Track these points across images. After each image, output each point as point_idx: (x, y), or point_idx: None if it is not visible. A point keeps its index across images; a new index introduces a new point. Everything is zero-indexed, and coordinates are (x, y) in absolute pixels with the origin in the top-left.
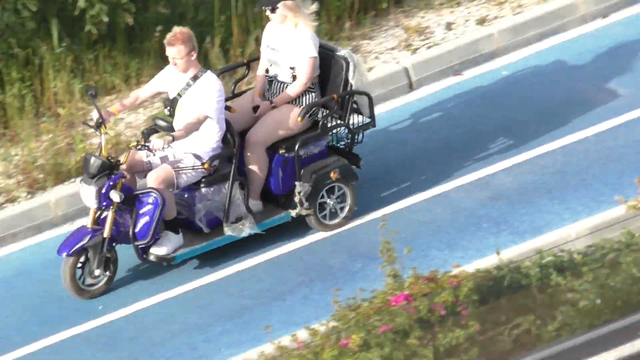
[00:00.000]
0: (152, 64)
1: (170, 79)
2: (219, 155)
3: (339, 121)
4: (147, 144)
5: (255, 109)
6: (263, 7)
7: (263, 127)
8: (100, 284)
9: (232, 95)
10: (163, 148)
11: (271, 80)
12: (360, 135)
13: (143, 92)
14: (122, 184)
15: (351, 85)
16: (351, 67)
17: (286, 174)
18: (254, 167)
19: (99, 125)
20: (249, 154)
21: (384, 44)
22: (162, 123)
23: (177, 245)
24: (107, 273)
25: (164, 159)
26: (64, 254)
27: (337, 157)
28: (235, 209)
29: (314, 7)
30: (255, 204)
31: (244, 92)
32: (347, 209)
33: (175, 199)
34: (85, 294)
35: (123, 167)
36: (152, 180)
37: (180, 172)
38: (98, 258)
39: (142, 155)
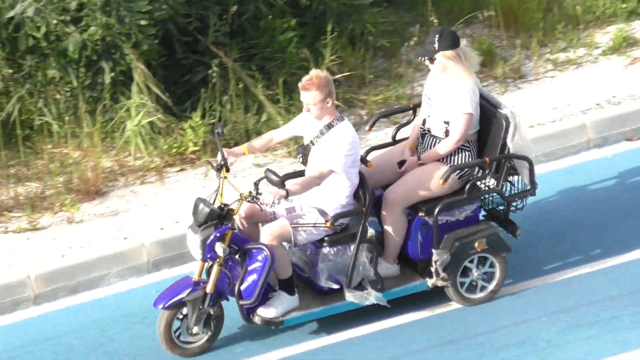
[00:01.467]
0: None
1: (306, 123)
2: (346, 213)
3: (491, 186)
4: (257, 196)
5: (402, 163)
6: (420, 58)
7: (403, 185)
8: (198, 343)
9: (393, 142)
10: (273, 203)
11: (424, 134)
12: (520, 203)
13: (279, 134)
14: (233, 236)
15: (508, 149)
16: (511, 129)
17: (426, 239)
18: (389, 228)
19: (220, 168)
20: (384, 213)
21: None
22: (272, 176)
23: (289, 308)
24: (208, 331)
25: (289, 210)
26: (160, 307)
27: (487, 224)
28: (361, 273)
29: (479, 58)
30: (390, 268)
31: (402, 140)
32: (494, 282)
33: (299, 254)
34: (180, 352)
35: (242, 215)
36: (266, 235)
37: (300, 228)
38: (197, 314)
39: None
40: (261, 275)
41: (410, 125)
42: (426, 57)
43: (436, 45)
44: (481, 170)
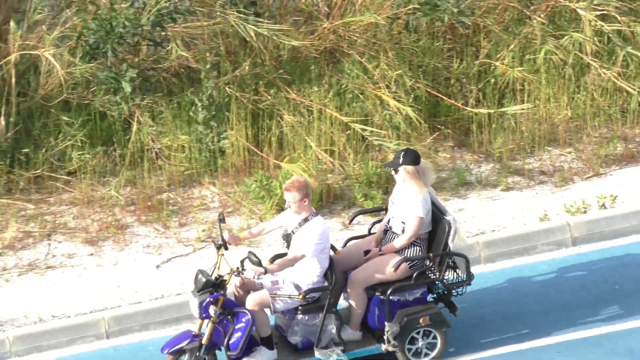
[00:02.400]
0: None
1: (290, 217)
2: (316, 289)
3: (435, 276)
4: (242, 271)
5: (367, 252)
6: (387, 168)
7: (365, 270)
8: None
9: (368, 234)
10: (254, 278)
11: (387, 230)
12: (461, 290)
13: (270, 224)
14: (225, 301)
15: (449, 248)
16: (452, 232)
17: (382, 313)
18: (352, 302)
19: (220, 247)
20: (349, 290)
21: None
22: (252, 257)
23: (268, 359)
24: None
25: (274, 283)
26: (165, 352)
27: (432, 305)
28: (328, 336)
29: (434, 177)
30: (354, 334)
31: (370, 234)
32: (436, 350)
33: (281, 318)
34: None
35: (237, 285)
36: (250, 302)
37: (278, 298)
38: None
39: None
40: (244, 333)
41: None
42: (392, 168)
43: (400, 160)
44: (427, 263)
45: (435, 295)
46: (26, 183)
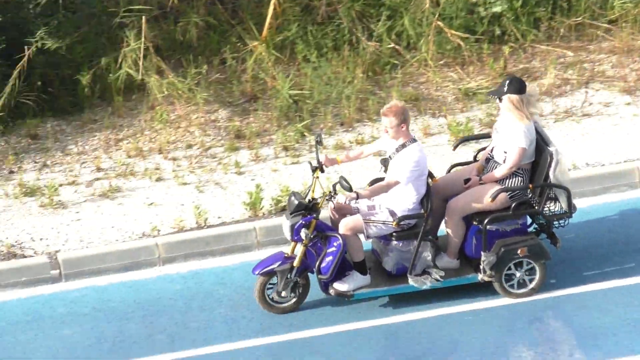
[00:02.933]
0: None
1: (388, 142)
2: (410, 216)
3: (535, 207)
4: (334, 196)
5: (467, 180)
6: (491, 96)
7: (463, 198)
8: (287, 304)
9: (474, 161)
10: (345, 202)
11: (489, 159)
12: (560, 222)
13: (368, 148)
14: (318, 224)
15: (550, 179)
16: (553, 163)
17: (479, 242)
18: (450, 231)
19: (315, 169)
20: (447, 218)
21: None
22: (343, 182)
23: (360, 285)
24: (294, 295)
25: (370, 207)
26: (256, 272)
27: (532, 236)
28: (423, 263)
29: (540, 105)
30: (451, 262)
31: (475, 161)
32: (535, 282)
33: (377, 243)
34: (272, 309)
35: (333, 208)
36: (342, 226)
37: (371, 224)
38: (285, 282)
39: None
40: (335, 258)
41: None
42: (496, 97)
43: (505, 89)
44: (527, 193)
45: (537, 226)
46: (566, 30)
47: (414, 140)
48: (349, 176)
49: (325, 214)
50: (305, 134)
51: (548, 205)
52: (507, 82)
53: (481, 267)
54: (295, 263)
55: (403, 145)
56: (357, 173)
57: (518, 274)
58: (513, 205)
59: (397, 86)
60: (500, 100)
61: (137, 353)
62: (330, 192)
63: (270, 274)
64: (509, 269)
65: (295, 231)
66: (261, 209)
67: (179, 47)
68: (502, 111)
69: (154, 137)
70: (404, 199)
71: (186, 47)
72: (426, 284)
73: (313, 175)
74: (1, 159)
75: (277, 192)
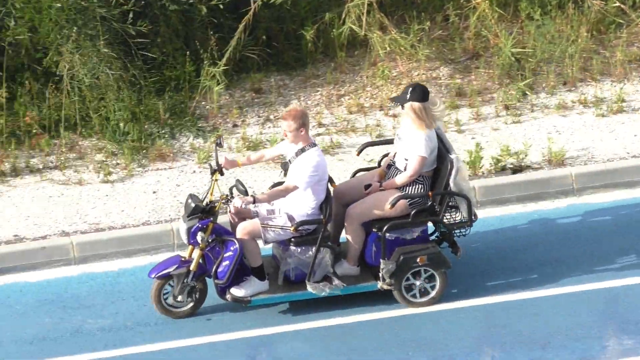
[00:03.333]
0: None
1: (289, 146)
2: (309, 221)
3: (435, 215)
4: (230, 199)
5: (368, 186)
6: (393, 103)
7: (362, 204)
8: (184, 308)
9: (378, 166)
10: (242, 207)
11: (391, 165)
12: (462, 231)
13: (269, 152)
14: (216, 227)
15: (450, 187)
16: (453, 171)
17: (379, 249)
18: (349, 237)
19: (214, 172)
20: (346, 224)
21: None
22: (239, 186)
23: (258, 290)
24: (191, 300)
25: (269, 212)
26: (152, 276)
27: (432, 244)
28: (323, 270)
29: (445, 110)
30: (351, 269)
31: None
32: (435, 291)
33: (276, 248)
34: (169, 314)
35: (232, 212)
36: (240, 230)
37: (269, 228)
38: (181, 286)
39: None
40: (232, 262)
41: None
42: (398, 103)
43: (408, 96)
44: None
45: (439, 234)
46: None
47: (314, 145)
48: (251, 179)
49: (225, 218)
50: (527, 92)
51: (450, 214)
52: (410, 89)
53: (380, 274)
54: (192, 267)
55: (302, 150)
56: (260, 176)
57: (418, 283)
58: (412, 212)
59: (622, 46)
60: (402, 107)
61: None
62: (227, 195)
63: (167, 277)
64: (408, 278)
65: (191, 234)
66: (480, 167)
67: (402, 3)
68: (403, 118)
69: (375, 93)
70: (302, 204)
71: (409, 3)
72: (325, 291)
73: (212, 177)
74: (225, 113)
75: (497, 151)
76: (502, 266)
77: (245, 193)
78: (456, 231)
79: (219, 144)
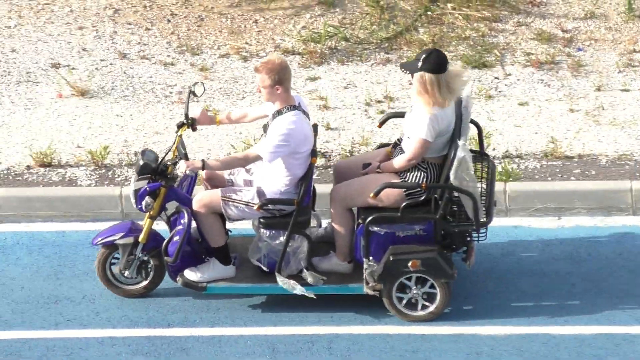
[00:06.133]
0: None
1: (271, 106)
2: (278, 200)
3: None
4: (176, 162)
5: (366, 166)
6: (403, 70)
7: (348, 186)
8: (133, 287)
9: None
10: (185, 172)
11: (397, 144)
12: (475, 235)
13: (253, 111)
14: (171, 194)
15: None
16: (455, 162)
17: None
18: (335, 225)
19: (182, 125)
20: (331, 208)
21: None
22: (180, 148)
23: (219, 276)
24: (142, 278)
25: (246, 183)
26: (95, 242)
27: (431, 247)
28: (298, 261)
29: (464, 84)
30: (340, 265)
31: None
32: (434, 306)
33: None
34: (115, 290)
35: (204, 178)
36: (196, 201)
37: (231, 203)
38: (127, 259)
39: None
40: (181, 238)
41: None
42: (407, 72)
43: (419, 64)
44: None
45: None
46: None
47: (293, 108)
48: None
49: None
50: None
51: (458, 213)
52: (424, 56)
53: (364, 276)
54: (141, 238)
55: (279, 112)
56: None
57: (414, 291)
58: (403, 205)
59: None
60: (412, 76)
61: None
62: (177, 156)
63: (111, 246)
64: (404, 285)
65: (138, 198)
66: None
67: None
68: (413, 90)
69: None
70: (275, 180)
71: None
72: (295, 288)
73: (177, 131)
74: None
75: None
76: None
77: (185, 157)
78: (474, 235)
79: (194, 92)
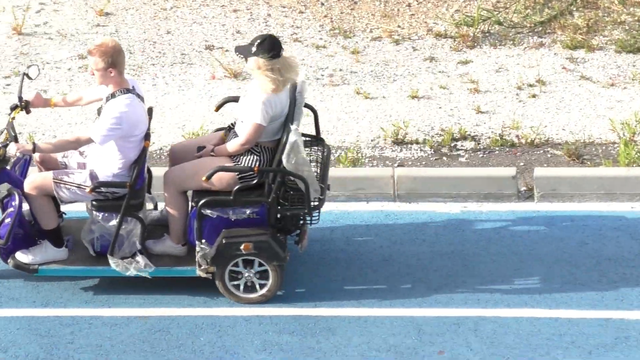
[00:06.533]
0: None
1: (106, 89)
2: (111, 183)
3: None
4: (8, 144)
5: (200, 149)
6: (237, 54)
7: (181, 169)
8: None
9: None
10: (15, 155)
11: (231, 128)
12: (307, 218)
13: (89, 93)
14: (2, 175)
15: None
16: (287, 147)
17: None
18: (168, 208)
19: (15, 107)
20: (164, 191)
21: None
22: (9, 130)
23: (51, 259)
24: None
25: (80, 165)
26: None
27: (264, 230)
28: (132, 244)
29: (298, 72)
30: (174, 248)
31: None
32: (266, 288)
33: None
34: None
35: (37, 160)
36: (27, 183)
37: (63, 185)
38: None
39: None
40: (13, 220)
41: None
42: (242, 55)
43: (254, 49)
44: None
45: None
46: None
47: (127, 92)
48: None
49: None
50: None
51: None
52: (258, 41)
53: (196, 259)
54: None
55: (112, 95)
56: None
57: (247, 274)
58: (235, 189)
59: None
60: (247, 60)
61: None
62: (7, 138)
63: None
64: (237, 265)
65: None
66: None
67: None
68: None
69: None
70: (107, 163)
71: None
72: (130, 270)
73: (10, 113)
74: None
75: None
76: None
77: (15, 139)
78: (308, 218)
79: (28, 75)
